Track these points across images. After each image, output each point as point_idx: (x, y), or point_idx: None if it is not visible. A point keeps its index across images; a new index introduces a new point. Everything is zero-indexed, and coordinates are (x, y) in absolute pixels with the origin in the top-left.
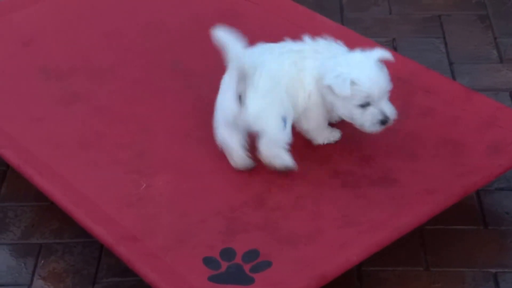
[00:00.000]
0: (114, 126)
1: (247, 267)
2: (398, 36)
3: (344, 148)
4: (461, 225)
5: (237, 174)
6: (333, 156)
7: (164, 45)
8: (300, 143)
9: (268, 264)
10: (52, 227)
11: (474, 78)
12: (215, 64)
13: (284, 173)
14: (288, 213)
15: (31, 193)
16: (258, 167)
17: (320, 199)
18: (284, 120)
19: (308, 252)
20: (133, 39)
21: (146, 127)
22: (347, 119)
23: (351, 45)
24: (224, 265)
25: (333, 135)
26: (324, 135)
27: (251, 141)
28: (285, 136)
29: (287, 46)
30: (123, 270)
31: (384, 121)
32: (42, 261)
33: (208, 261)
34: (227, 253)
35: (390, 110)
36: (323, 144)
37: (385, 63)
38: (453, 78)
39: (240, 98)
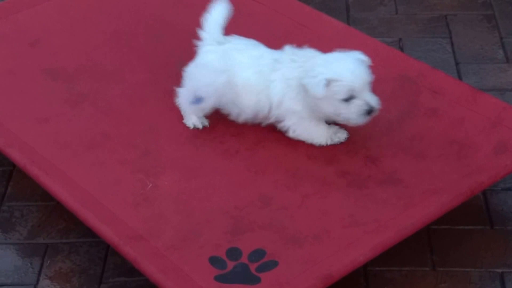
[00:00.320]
0: (120, 126)
1: (253, 267)
2: (404, 36)
3: (351, 148)
4: (467, 225)
5: (243, 173)
6: (340, 156)
7: (170, 46)
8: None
9: (274, 264)
10: (58, 226)
11: (480, 78)
12: None
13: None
14: (294, 213)
15: (37, 193)
16: (265, 167)
17: (326, 199)
18: (198, 99)
19: (314, 252)
20: (140, 40)
21: (152, 127)
22: (333, 116)
23: (357, 45)
24: (230, 264)
25: (338, 136)
26: (324, 136)
27: None
28: (193, 108)
29: (265, 54)
30: (129, 269)
31: (369, 111)
32: (49, 261)
33: (214, 261)
34: (233, 253)
35: (374, 100)
36: (327, 144)
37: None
38: (460, 78)
39: None
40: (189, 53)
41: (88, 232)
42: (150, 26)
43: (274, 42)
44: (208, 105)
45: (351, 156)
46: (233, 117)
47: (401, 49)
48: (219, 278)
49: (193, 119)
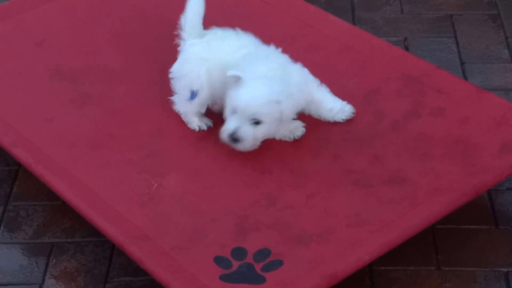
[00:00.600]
0: (126, 126)
1: (258, 266)
2: (409, 36)
3: (355, 147)
4: (472, 224)
5: (248, 173)
6: (345, 155)
7: (176, 47)
8: (312, 141)
9: (279, 263)
10: (63, 226)
11: (485, 78)
12: None
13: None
14: (299, 212)
15: (43, 192)
16: (270, 167)
17: (331, 198)
18: (193, 93)
19: (320, 251)
20: (145, 41)
21: (158, 128)
22: None
23: (363, 44)
24: (236, 264)
25: (292, 132)
26: (285, 132)
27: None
28: (193, 106)
29: (245, 44)
30: (135, 269)
31: (231, 136)
32: (54, 260)
33: (220, 260)
34: (239, 252)
35: (238, 129)
36: (279, 140)
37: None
38: (465, 77)
39: None
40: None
41: (94, 232)
42: (155, 27)
43: (279, 41)
44: (204, 98)
45: (356, 156)
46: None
47: (406, 48)
48: (224, 278)
49: (196, 121)
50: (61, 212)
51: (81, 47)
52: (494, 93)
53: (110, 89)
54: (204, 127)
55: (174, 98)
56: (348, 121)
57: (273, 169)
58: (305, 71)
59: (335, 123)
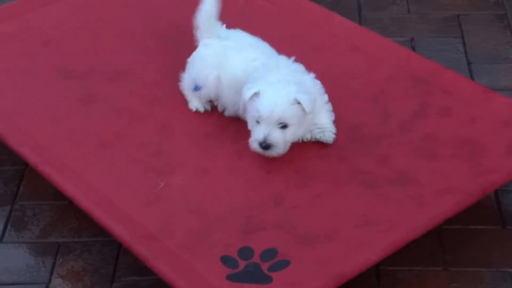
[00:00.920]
0: (132, 126)
1: (265, 266)
2: (416, 36)
3: (362, 147)
4: (479, 225)
5: (255, 172)
6: (351, 155)
7: (183, 47)
8: (318, 142)
9: (286, 263)
10: (70, 225)
11: (492, 78)
12: None
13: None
14: (306, 212)
15: (49, 192)
16: (277, 166)
17: (338, 198)
18: (197, 87)
19: (326, 251)
20: (152, 41)
21: (164, 127)
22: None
23: (370, 44)
24: (242, 264)
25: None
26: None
27: None
28: (194, 96)
29: (259, 57)
30: (141, 268)
31: (261, 144)
32: (61, 260)
33: (226, 260)
34: (245, 252)
35: (269, 136)
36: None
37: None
38: (471, 78)
39: None
40: None
41: (100, 231)
42: (160, 27)
43: (286, 42)
44: (206, 94)
45: (363, 156)
46: (223, 111)
47: (413, 48)
48: (231, 277)
49: (195, 102)
50: (68, 211)
51: (87, 47)
52: (501, 93)
53: (117, 88)
54: (201, 110)
55: (183, 76)
56: (355, 121)
57: (280, 169)
58: (318, 82)
59: (343, 122)
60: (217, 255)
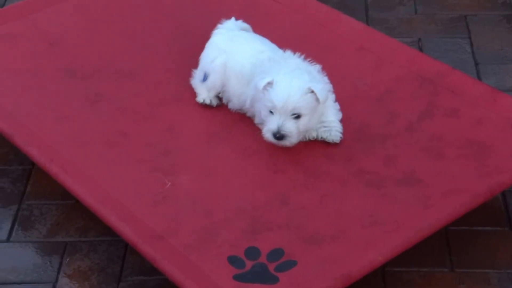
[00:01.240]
0: (138, 125)
1: (271, 266)
2: (423, 36)
3: (369, 148)
4: (486, 226)
5: (262, 172)
6: (358, 155)
7: (189, 47)
8: (325, 142)
9: (292, 264)
10: (77, 225)
11: (499, 79)
12: None
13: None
14: (313, 212)
15: (56, 191)
16: (283, 166)
17: (344, 198)
18: (205, 75)
19: (333, 252)
20: (158, 41)
21: (171, 127)
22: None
23: (377, 45)
24: (249, 264)
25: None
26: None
27: None
28: (203, 88)
29: (267, 50)
30: (148, 268)
31: (275, 134)
32: (68, 259)
33: (233, 260)
34: (252, 252)
35: (282, 126)
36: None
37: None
38: (479, 78)
39: None
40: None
41: (107, 231)
42: (167, 27)
43: (292, 41)
44: (214, 83)
45: (369, 156)
46: (227, 103)
47: (420, 49)
48: (237, 278)
49: (203, 95)
50: (75, 211)
51: (94, 47)
52: (508, 94)
53: (123, 88)
54: (208, 102)
55: (195, 71)
56: (362, 122)
57: (286, 169)
58: (325, 78)
59: (350, 122)
60: (223, 255)
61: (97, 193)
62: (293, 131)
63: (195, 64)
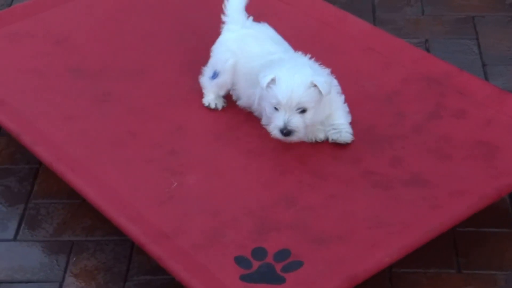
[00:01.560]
0: (146, 125)
1: (278, 267)
2: (430, 37)
3: (376, 149)
4: (493, 227)
5: (269, 173)
6: (365, 156)
7: (197, 47)
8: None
9: (299, 264)
10: (84, 224)
11: (507, 80)
12: None
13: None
14: (319, 213)
15: (63, 190)
16: (290, 167)
17: (351, 199)
18: (215, 73)
19: (340, 252)
20: (166, 41)
21: (178, 126)
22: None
23: (384, 46)
24: (256, 264)
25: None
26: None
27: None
28: (212, 85)
29: (277, 51)
30: (154, 268)
31: (282, 130)
32: (74, 258)
33: (240, 260)
34: (259, 252)
35: (289, 121)
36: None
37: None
38: (486, 79)
39: None
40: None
41: (114, 230)
42: (174, 26)
43: (300, 42)
44: (223, 82)
45: (377, 157)
46: (236, 100)
47: (428, 50)
48: (244, 278)
49: (210, 97)
50: (81, 210)
51: (102, 46)
52: None
53: (130, 87)
54: (213, 106)
55: (204, 69)
56: (369, 122)
57: (293, 169)
58: (334, 80)
59: (357, 123)
60: (230, 255)
61: (104, 192)
62: (300, 125)
63: (203, 63)
